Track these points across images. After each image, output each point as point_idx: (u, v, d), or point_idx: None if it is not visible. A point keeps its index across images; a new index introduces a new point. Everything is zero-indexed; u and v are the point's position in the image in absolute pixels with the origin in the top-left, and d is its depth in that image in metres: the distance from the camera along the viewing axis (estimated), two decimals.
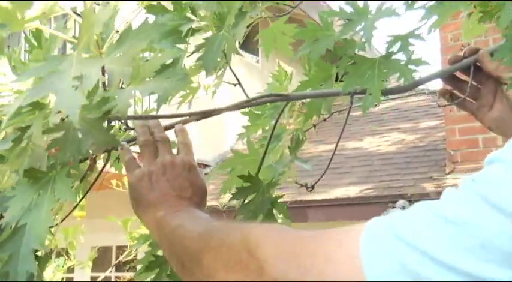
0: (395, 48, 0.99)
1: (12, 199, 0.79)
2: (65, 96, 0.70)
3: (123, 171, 0.88)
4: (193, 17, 1.05)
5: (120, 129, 1.03)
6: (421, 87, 1.10)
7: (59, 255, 3.33)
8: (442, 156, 4.90)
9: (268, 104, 1.27)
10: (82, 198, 1.01)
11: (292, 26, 1.29)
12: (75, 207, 1.03)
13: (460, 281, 0.46)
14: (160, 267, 1.14)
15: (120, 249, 6.18)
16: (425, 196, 4.15)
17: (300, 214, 4.47)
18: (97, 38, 0.81)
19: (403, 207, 3.27)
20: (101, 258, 6.51)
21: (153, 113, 0.95)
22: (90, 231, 3.77)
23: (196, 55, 1.07)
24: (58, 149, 0.83)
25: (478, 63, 0.96)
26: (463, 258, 0.46)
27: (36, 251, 0.80)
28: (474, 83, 0.98)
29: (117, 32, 0.83)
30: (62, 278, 3.17)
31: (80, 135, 0.81)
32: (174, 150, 0.87)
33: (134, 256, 3.61)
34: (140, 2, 1.02)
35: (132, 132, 0.95)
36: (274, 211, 1.18)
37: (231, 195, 1.15)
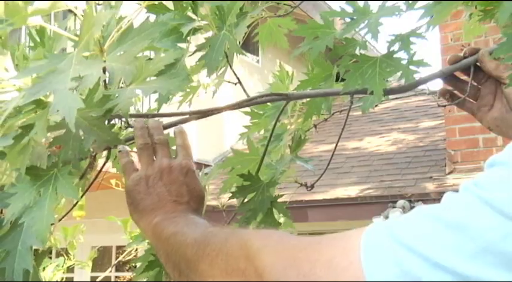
0: (396, 48, 0.99)
1: (14, 196, 0.79)
2: (62, 97, 0.70)
3: None
4: (194, 16, 1.05)
5: (120, 128, 1.03)
6: (421, 87, 1.09)
7: (58, 254, 3.32)
8: (442, 156, 4.90)
9: (269, 103, 1.27)
10: (81, 197, 1.01)
11: (288, 19, 1.31)
12: (74, 206, 1.03)
13: None
14: (160, 266, 1.14)
15: (120, 249, 6.18)
16: (425, 196, 4.15)
17: (300, 214, 4.47)
18: (98, 36, 0.81)
19: (403, 207, 3.27)
20: (101, 258, 6.52)
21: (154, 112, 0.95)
22: (90, 231, 3.77)
23: (198, 54, 1.07)
24: (59, 146, 0.83)
25: (478, 63, 0.96)
26: (465, 262, 0.46)
27: (35, 249, 0.80)
28: (474, 83, 0.98)
29: (119, 30, 0.83)
30: (62, 278, 3.17)
31: (81, 133, 0.81)
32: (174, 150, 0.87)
33: (134, 256, 3.61)
34: (141, 1, 1.02)
35: (132, 130, 0.95)
36: (274, 210, 1.18)
37: (231, 194, 1.15)
